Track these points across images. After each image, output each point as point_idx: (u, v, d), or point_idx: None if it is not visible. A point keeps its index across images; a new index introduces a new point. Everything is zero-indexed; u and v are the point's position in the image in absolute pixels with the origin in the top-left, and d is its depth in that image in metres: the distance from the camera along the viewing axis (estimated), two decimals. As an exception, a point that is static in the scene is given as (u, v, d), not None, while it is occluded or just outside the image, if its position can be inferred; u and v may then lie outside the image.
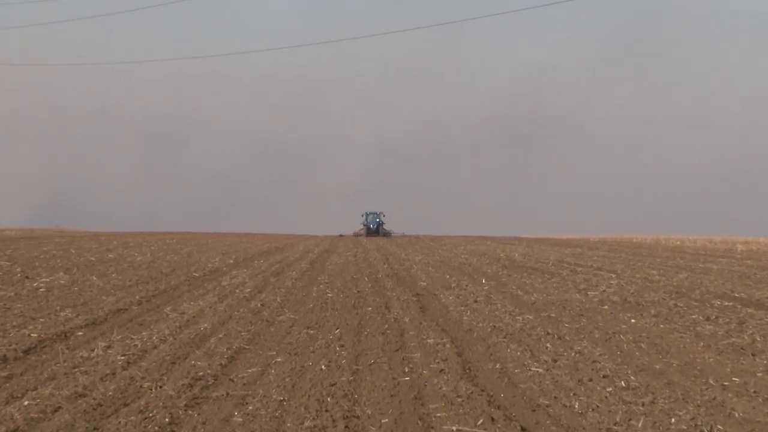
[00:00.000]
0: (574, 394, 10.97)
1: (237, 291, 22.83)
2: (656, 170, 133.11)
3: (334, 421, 9.61)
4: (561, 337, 15.31)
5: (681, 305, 19.98)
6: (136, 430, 9.31)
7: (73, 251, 38.60)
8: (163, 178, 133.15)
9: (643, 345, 14.65)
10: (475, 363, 13.09)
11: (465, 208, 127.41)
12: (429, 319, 17.68)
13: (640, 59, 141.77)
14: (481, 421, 9.65)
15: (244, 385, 11.53)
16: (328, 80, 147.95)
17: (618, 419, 9.87)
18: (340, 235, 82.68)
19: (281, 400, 10.58)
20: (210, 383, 11.57)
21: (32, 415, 9.83)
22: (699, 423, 9.76)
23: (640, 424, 9.65)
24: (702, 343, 14.82)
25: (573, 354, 13.65)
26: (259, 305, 19.73)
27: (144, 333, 15.50)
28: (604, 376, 11.99)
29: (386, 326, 16.52)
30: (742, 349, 14.27)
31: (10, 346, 13.81)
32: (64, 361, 12.77)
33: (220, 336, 15.24)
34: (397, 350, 13.95)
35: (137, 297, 20.80)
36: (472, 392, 10.94)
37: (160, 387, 11.19)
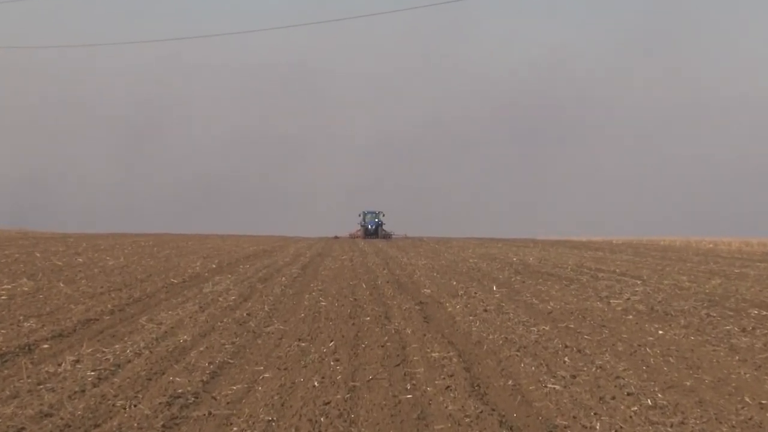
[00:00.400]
0: (595, 414, 10.97)
1: (220, 299, 22.81)
2: (687, 165, 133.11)
3: (328, 443, 9.62)
4: (581, 350, 15.31)
5: (714, 315, 19.98)
6: (108, 454, 9.32)
7: (38, 255, 38.55)
8: (137, 174, 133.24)
9: (671, 359, 14.65)
10: (485, 379, 13.09)
11: (474, 207, 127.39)
12: (434, 330, 17.68)
13: (669, 42, 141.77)
14: (491, 443, 9.65)
15: (228, 403, 11.52)
16: (322, 67, 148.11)
17: (644, 442, 9.87)
18: (335, 237, 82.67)
19: (269, 421, 10.58)
20: (190, 402, 11.56)
21: (-8, 437, 9.83)
22: (734, 446, 9.77)
23: (668, 447, 9.66)
24: (737, 357, 14.82)
25: (594, 369, 13.65)
26: (244, 315, 19.73)
27: (117, 346, 15.48)
28: (628, 394, 12.00)
29: (386, 338, 16.52)
30: (782, 363, 14.28)
31: (-32, 360, 13.81)
32: (28, 377, 12.75)
33: (202, 349, 15.22)
34: (398, 365, 13.95)
35: (109, 306, 20.78)
36: (481, 412, 10.95)
37: (135, 406, 11.18)
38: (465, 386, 12.35)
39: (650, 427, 10.41)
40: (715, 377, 13.30)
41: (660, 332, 17.51)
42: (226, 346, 15.63)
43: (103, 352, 14.86)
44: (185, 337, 16.49)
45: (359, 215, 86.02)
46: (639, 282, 28.21)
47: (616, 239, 78.29)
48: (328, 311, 20.41)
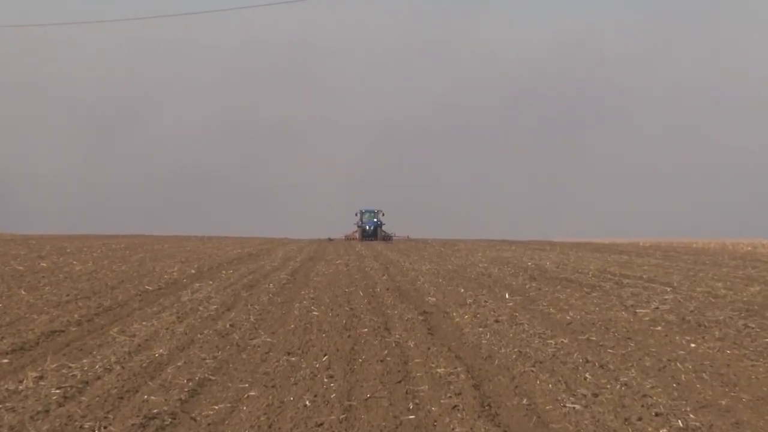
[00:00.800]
0: (619, 437, 10.97)
1: (200, 308, 22.82)
2: (722, 158, 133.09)
3: (320, 469, 9.63)
4: (603, 365, 15.32)
5: (752, 326, 19.98)
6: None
7: (-3, 259, 38.55)
8: (107, 169, 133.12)
9: (705, 375, 14.66)
10: (497, 398, 13.10)
11: (484, 205, 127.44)
12: (439, 343, 17.69)
13: (704, 20, 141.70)
14: (503, 469, 9.66)
15: (209, 425, 11.53)
16: (316, 47, 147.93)
17: (674, 467, 9.88)
18: (329, 239, 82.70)
19: (255, 444, 10.57)
20: (167, 423, 11.56)
21: (-54, 463, 9.84)
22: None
23: (701, 474, 9.67)
24: (778, 373, 14.84)
25: (618, 386, 13.65)
26: (227, 326, 19.73)
27: (85, 360, 15.47)
28: (656, 414, 12.00)
29: (386, 352, 16.53)
30: (829, 380, 14.29)
31: None
32: (-14, 396, 12.76)
33: (180, 364, 15.23)
34: (400, 382, 13.95)
35: (76, 316, 20.77)
36: (492, 434, 10.95)
37: (105, 428, 11.18)
38: (474, 406, 12.35)
39: (681, 452, 10.41)
40: (754, 396, 13.30)
41: (692, 345, 17.51)
42: (207, 360, 15.62)
43: (70, 367, 14.85)
44: (161, 350, 16.49)
45: (356, 214, 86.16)
46: (669, 289, 28.21)
47: (644, 241, 78.33)
48: (321, 322, 20.41)
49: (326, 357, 15.90)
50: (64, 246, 52.95)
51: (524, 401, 12.83)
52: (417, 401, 12.70)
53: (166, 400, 12.65)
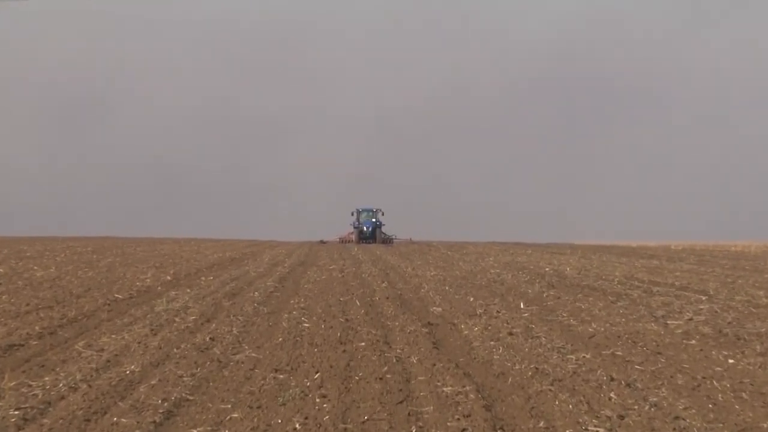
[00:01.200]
0: (648, 464, 10.98)
1: (177, 319, 22.82)
2: (764, 150, 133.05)
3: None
4: (630, 383, 15.32)
5: (798, 339, 20.00)
6: None
7: (-53, 264, 38.53)
8: (70, 163, 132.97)
9: (744, 395, 14.66)
10: (510, 420, 13.09)
11: (496, 204, 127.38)
12: (445, 358, 17.69)
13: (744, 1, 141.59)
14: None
15: (186, 450, 11.52)
16: (309, 28, 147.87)
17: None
18: (322, 242, 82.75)
19: (239, 472, 10.58)
20: (139, 448, 11.56)
21: None
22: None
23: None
24: (827, 393, 14.84)
25: (647, 407, 13.65)
26: (207, 339, 19.73)
27: (47, 378, 15.46)
28: (690, 439, 12.00)
29: (385, 369, 16.53)
30: None
31: None
32: (-65, 418, 12.76)
33: (154, 382, 15.22)
34: (401, 402, 13.95)
35: (37, 328, 20.77)
36: (505, 461, 10.95)
37: (70, 454, 11.17)
38: (485, 429, 12.35)
39: (718, 481, 10.42)
40: (800, 418, 13.30)
41: (730, 361, 17.52)
42: (184, 378, 15.61)
43: (30, 386, 14.84)
44: (132, 367, 16.48)
45: (352, 214, 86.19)
46: (704, 298, 28.21)
47: (676, 244, 78.39)
48: (313, 335, 20.41)
49: (318, 374, 15.89)
50: (23, 249, 52.91)
51: (541, 424, 12.83)
52: (421, 424, 12.70)
53: (138, 422, 12.65)
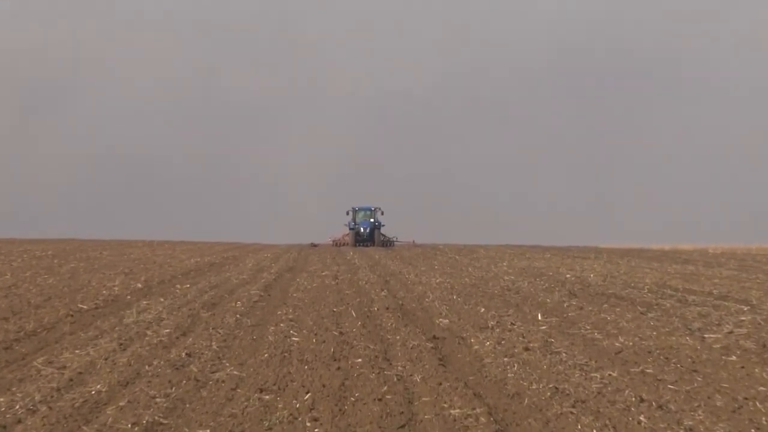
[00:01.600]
0: (684, 498, 10.94)
1: (149, 332, 22.81)
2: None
3: None
4: (662, 405, 15.31)
5: None
6: None
7: None
8: (29, 155, 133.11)
9: (792, 419, 14.63)
10: (527, 447, 13.06)
11: (510, 201, 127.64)
12: (453, 377, 17.68)
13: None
14: None
15: (158, 482, 11.48)
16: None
17: None
18: (313, 245, 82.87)
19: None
20: (105, 480, 11.52)
21: None
22: None
23: None
24: None
25: (682, 433, 13.63)
26: (183, 355, 19.72)
27: (1, 399, 15.46)
28: (731, 469, 11.97)
29: (385, 388, 16.52)
30: None
31: None
32: None
33: (122, 404, 15.19)
34: (403, 426, 13.94)
35: (-9, 342, 20.79)
36: (521, 494, 10.91)
37: (26, 486, 11.13)
38: (498, 457, 12.32)
39: None
40: None
41: (776, 380, 17.51)
42: (157, 399, 15.60)
43: (-19, 408, 14.82)
44: (99, 386, 16.48)
45: (347, 213, 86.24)
46: (746, 308, 28.19)
47: (713, 247, 78.44)
48: (303, 350, 20.41)
49: (309, 395, 15.89)
50: (-24, 253, 52.93)
51: (562, 452, 12.80)
52: (425, 452, 12.67)
53: (104, 450, 12.61)
